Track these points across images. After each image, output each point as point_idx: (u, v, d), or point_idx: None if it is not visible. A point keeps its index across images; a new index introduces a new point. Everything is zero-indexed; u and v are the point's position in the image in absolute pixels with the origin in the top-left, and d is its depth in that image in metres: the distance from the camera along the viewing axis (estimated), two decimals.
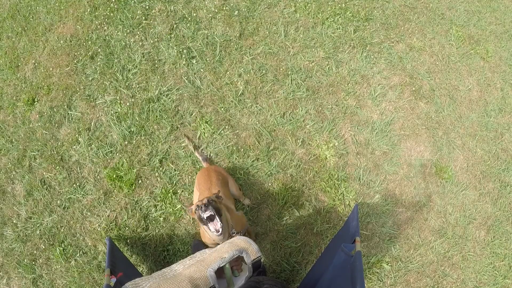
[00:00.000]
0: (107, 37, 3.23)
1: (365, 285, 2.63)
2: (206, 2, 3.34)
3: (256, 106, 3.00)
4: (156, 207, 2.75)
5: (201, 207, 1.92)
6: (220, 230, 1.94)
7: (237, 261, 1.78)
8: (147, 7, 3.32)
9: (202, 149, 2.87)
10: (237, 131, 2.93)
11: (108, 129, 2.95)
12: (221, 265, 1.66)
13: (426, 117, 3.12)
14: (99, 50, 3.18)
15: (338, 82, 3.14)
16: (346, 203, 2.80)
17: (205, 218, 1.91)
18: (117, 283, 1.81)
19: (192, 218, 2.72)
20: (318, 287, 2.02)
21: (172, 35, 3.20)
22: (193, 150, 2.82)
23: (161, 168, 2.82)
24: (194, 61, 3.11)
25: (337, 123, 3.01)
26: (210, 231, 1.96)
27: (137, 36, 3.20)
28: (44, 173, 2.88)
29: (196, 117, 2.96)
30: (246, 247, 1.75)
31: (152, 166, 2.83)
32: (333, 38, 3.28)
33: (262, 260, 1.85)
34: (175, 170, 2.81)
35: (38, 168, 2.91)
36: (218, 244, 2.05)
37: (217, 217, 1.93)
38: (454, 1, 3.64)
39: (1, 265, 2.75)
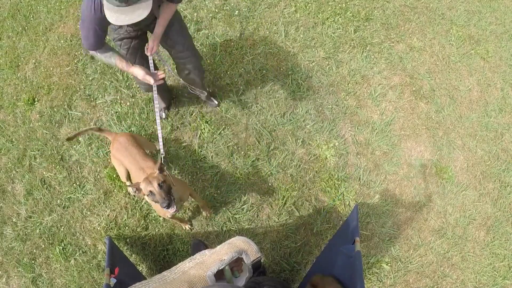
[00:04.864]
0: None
1: (365, 285, 2.64)
2: (206, 2, 3.35)
3: (256, 106, 3.00)
4: None
5: (163, 205, 1.89)
6: (175, 209, 1.96)
7: (237, 262, 1.78)
8: None
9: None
10: (237, 131, 2.93)
11: (109, 129, 2.95)
12: (220, 268, 1.65)
13: (426, 117, 3.12)
14: None
15: (338, 82, 3.14)
16: (346, 203, 2.80)
17: (164, 205, 1.90)
18: (117, 283, 1.81)
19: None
20: None
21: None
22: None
23: None
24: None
25: (337, 123, 3.01)
26: (164, 209, 1.96)
27: None
28: (44, 172, 2.88)
29: (197, 117, 2.96)
30: (246, 248, 1.75)
31: None
32: (334, 38, 3.29)
33: (262, 261, 1.84)
34: (174, 170, 2.81)
35: (38, 167, 2.91)
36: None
37: (173, 201, 1.93)
38: (454, 1, 3.64)
39: (1, 264, 2.75)
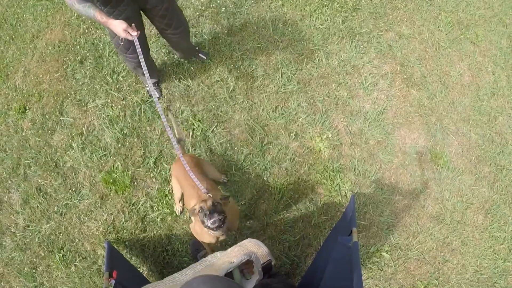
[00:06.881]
0: (95, 41, 3.22)
1: (366, 275, 2.64)
2: (192, 0, 3.33)
3: (247, 102, 3.00)
4: (153, 208, 2.75)
5: (207, 213, 1.78)
6: (224, 234, 1.90)
7: (248, 264, 1.78)
8: None
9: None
10: (229, 127, 2.92)
11: (101, 133, 2.94)
12: (229, 270, 1.65)
13: (418, 104, 3.12)
14: (88, 54, 3.17)
15: (328, 74, 3.13)
16: (342, 194, 2.80)
17: (211, 226, 1.78)
18: (117, 283, 1.81)
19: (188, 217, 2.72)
20: (320, 281, 2.02)
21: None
22: (173, 125, 2.47)
23: (155, 169, 2.82)
24: (183, 60, 3.10)
25: (330, 115, 3.01)
26: (209, 230, 1.85)
27: None
28: (40, 180, 2.88)
29: (188, 116, 2.95)
30: (255, 250, 1.75)
31: (147, 168, 2.82)
32: (322, 29, 3.27)
33: (272, 263, 1.84)
34: (169, 170, 2.81)
35: (33, 175, 2.90)
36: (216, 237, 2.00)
37: (223, 224, 1.82)
38: None
39: (2, 275, 2.75)
